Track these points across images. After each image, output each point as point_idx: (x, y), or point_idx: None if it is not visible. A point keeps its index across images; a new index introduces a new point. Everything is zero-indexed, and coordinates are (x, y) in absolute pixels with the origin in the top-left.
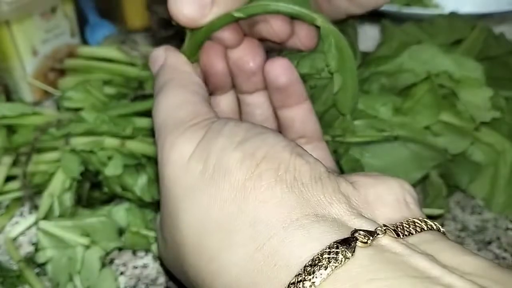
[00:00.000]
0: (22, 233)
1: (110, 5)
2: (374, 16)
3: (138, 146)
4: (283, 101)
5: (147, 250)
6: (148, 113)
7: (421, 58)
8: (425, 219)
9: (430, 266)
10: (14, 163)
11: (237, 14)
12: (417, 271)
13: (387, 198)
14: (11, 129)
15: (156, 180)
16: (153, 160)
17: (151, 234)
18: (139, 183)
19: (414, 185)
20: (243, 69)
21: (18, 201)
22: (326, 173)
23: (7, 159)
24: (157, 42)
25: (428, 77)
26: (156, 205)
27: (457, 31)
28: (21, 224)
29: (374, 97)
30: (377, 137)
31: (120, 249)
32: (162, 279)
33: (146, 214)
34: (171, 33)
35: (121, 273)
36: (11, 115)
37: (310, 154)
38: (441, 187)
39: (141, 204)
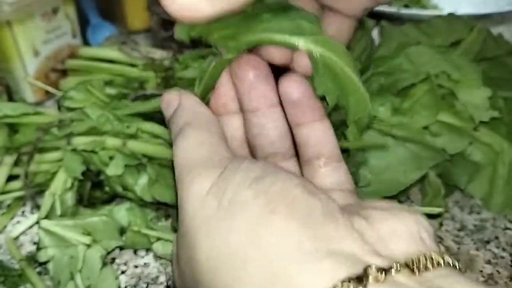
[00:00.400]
0: (24, 233)
1: (111, 6)
2: (373, 17)
3: (139, 146)
4: (297, 118)
5: (148, 249)
6: (149, 114)
7: (418, 60)
8: (443, 254)
9: None
10: (16, 163)
11: (229, 56)
12: None
13: (401, 232)
14: (13, 129)
15: (156, 180)
16: (154, 161)
17: (152, 233)
18: (140, 183)
19: (412, 185)
20: (243, 81)
21: (20, 200)
22: (338, 210)
23: (9, 159)
24: (158, 42)
25: (427, 78)
26: (156, 205)
27: (456, 32)
28: (22, 223)
29: (373, 97)
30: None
31: (121, 248)
32: (162, 278)
33: (147, 214)
34: (171, 33)
35: (122, 272)
36: (13, 114)
37: (323, 192)
38: (440, 187)
39: (142, 203)
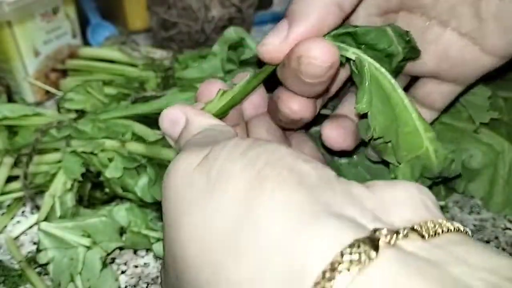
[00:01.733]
0: (24, 233)
1: (111, 6)
2: None
3: (138, 147)
4: None
5: (148, 249)
6: (147, 117)
7: None
8: (451, 221)
9: (458, 269)
10: (16, 164)
11: (268, 70)
12: (445, 276)
13: (405, 199)
14: (12, 130)
15: (155, 181)
16: (153, 161)
17: (152, 233)
18: (140, 184)
19: None
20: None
21: (20, 200)
22: (335, 176)
23: (9, 160)
24: (158, 42)
25: None
26: (157, 205)
27: None
28: (22, 223)
29: None
30: None
31: (121, 248)
32: None
33: (146, 214)
34: (171, 33)
35: (122, 272)
36: (12, 116)
37: (316, 162)
38: (440, 187)
39: (142, 204)
